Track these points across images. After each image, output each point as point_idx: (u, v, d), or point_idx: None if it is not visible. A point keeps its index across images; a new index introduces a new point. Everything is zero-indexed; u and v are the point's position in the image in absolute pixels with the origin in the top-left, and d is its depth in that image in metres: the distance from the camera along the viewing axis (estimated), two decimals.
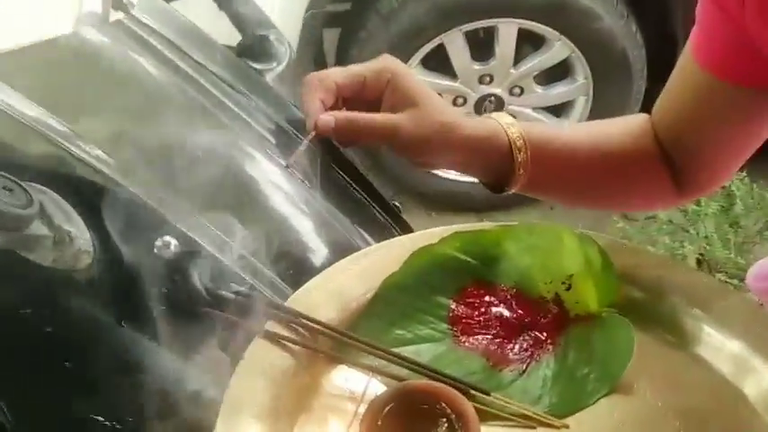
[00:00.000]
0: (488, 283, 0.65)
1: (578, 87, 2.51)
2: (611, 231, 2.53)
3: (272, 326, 0.58)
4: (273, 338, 0.57)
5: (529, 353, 0.62)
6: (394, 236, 0.82)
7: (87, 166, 0.64)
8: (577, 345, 0.62)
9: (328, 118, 0.64)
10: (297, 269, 0.69)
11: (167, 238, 0.61)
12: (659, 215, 2.54)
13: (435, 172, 2.44)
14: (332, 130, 0.64)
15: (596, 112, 2.53)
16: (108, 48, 0.80)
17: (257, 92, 0.87)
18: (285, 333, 0.58)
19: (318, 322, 0.59)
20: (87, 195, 0.62)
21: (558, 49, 2.42)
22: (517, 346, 0.62)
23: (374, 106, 0.68)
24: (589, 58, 2.43)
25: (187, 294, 0.59)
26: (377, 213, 0.82)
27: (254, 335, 0.57)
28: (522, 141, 0.70)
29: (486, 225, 0.68)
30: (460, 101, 2.51)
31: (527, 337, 0.63)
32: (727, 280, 2.20)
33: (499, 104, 2.52)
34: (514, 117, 0.72)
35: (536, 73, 2.50)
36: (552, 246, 0.65)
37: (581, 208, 0.85)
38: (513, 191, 0.74)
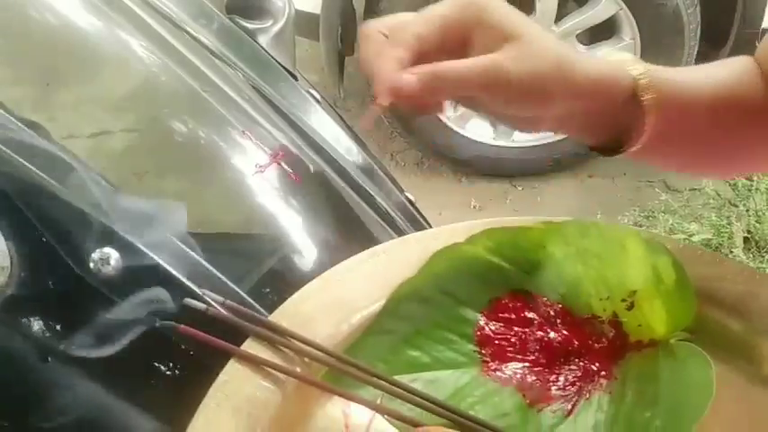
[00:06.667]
0: (527, 295, 0.52)
1: (624, 48, 2.34)
2: (653, 204, 2.38)
3: (252, 346, 0.46)
4: (252, 363, 0.45)
5: (576, 388, 0.49)
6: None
7: (2, 151, 0.48)
8: (639, 380, 0.48)
9: (409, 77, 0.48)
10: (275, 288, 0.55)
11: (107, 249, 0.47)
12: (706, 188, 2.38)
13: (466, 135, 2.30)
14: (417, 92, 0.48)
15: None
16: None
17: (248, 59, 0.71)
18: (267, 355, 0.46)
19: (309, 342, 0.47)
20: (3, 192, 0.47)
21: (605, 5, 2.26)
22: (562, 379, 0.49)
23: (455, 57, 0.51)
24: (638, 15, 2.27)
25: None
26: (386, 210, 0.68)
27: (227, 357, 0.45)
28: (647, 80, 0.54)
29: (526, 220, 0.54)
30: None
31: (574, 368, 0.50)
32: None
33: None
34: None
35: (579, 31, 2.34)
36: (611, 252, 0.52)
37: (701, 174, 0.68)
38: (633, 149, 0.58)
